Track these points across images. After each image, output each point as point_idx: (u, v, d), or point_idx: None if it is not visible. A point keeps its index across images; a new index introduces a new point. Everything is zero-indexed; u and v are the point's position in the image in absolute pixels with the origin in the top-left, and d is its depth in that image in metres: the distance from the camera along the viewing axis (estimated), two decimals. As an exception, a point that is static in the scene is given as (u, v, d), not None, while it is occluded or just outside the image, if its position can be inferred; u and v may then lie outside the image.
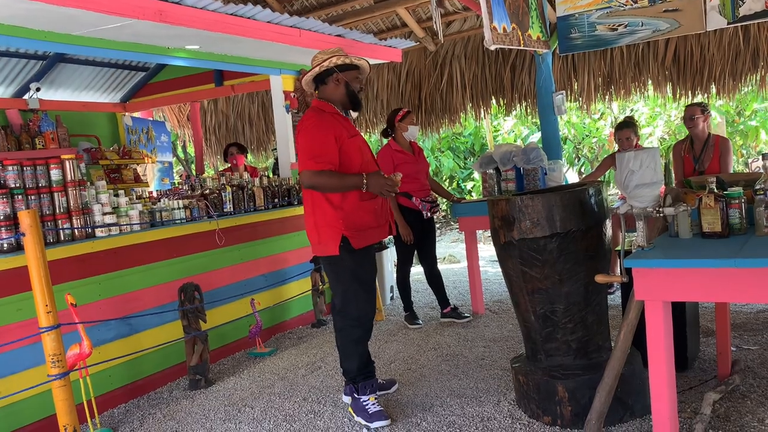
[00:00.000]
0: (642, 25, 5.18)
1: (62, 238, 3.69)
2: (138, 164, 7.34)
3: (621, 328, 2.69)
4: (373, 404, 3.29)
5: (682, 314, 3.41)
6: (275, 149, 7.55)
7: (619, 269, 2.53)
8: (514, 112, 7.93)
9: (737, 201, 2.48)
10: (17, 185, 3.52)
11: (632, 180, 2.46)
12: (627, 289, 3.35)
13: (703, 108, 5.17)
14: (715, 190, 2.51)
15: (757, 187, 2.47)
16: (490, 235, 3.50)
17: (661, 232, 2.83)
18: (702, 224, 2.52)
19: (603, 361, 2.97)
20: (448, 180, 12.63)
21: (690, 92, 6.69)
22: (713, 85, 6.54)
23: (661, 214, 2.45)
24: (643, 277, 2.29)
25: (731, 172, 5.20)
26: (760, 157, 2.68)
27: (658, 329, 2.29)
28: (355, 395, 3.36)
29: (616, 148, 5.58)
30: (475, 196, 11.98)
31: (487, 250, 8.72)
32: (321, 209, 3.32)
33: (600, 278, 2.58)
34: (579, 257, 2.96)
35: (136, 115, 7.88)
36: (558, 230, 2.94)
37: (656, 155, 2.49)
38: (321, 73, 3.33)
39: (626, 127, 5.29)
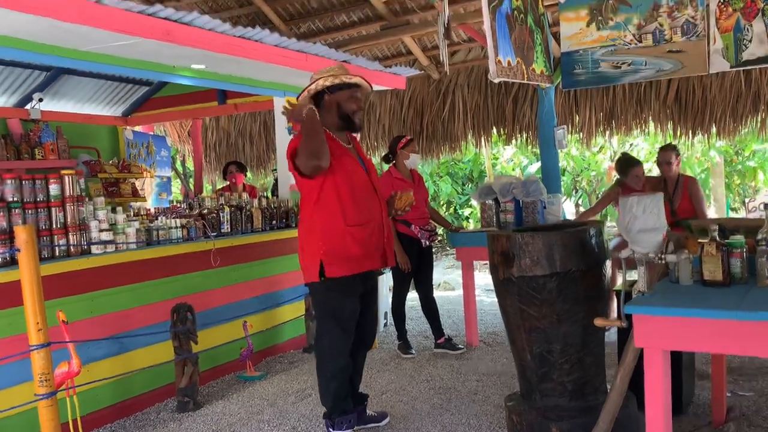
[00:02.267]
0: (645, 65, 5.21)
1: (57, 254, 3.66)
2: (136, 178, 7.32)
3: (618, 372, 2.66)
4: None
5: (677, 357, 3.39)
6: (275, 169, 7.54)
7: (617, 311, 2.51)
8: (514, 142, 7.95)
9: (739, 250, 2.48)
10: (15, 199, 3.50)
11: (635, 225, 2.45)
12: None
13: (677, 151, 5.46)
14: (717, 239, 2.50)
15: (759, 237, 2.47)
16: (487, 264, 3.46)
17: (662, 277, 2.82)
18: (703, 272, 2.51)
19: (599, 404, 2.94)
20: (445, 205, 12.64)
21: (691, 131, 6.73)
22: (714, 126, 6.58)
23: (663, 261, 2.44)
24: (644, 324, 2.27)
25: (705, 209, 5.46)
26: (762, 204, 2.67)
27: (657, 378, 2.26)
28: (330, 429, 3.30)
29: (615, 180, 5.65)
30: (472, 224, 11.99)
31: (483, 277, 8.67)
32: (306, 231, 3.26)
33: (599, 322, 2.56)
34: (578, 297, 2.94)
35: (138, 129, 7.88)
36: (558, 269, 2.92)
37: (660, 201, 2.49)
38: (316, 94, 3.25)
39: (671, 149, 5.39)
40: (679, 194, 5.30)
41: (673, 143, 6.05)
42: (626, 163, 5.40)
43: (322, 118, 3.22)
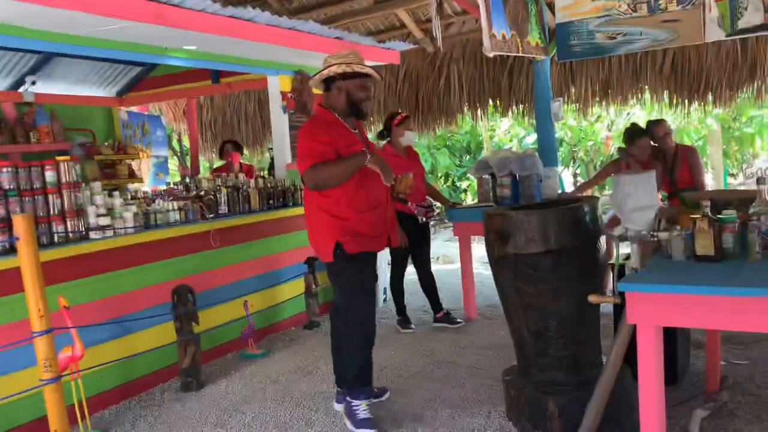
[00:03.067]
0: (641, 35, 5.18)
1: (56, 240, 3.68)
2: (133, 159, 7.31)
3: (612, 347, 2.70)
4: (364, 410, 3.31)
5: (672, 327, 3.43)
6: (271, 148, 7.54)
7: (612, 286, 2.54)
8: (510, 114, 7.92)
9: (731, 225, 2.50)
10: (11, 187, 3.50)
11: (627, 203, 2.47)
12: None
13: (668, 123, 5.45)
14: (709, 214, 2.51)
15: (751, 212, 2.49)
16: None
17: (654, 252, 2.85)
18: (696, 247, 2.53)
19: (594, 377, 2.98)
20: (443, 178, 12.63)
21: (687, 100, 6.71)
22: (710, 94, 6.56)
23: (656, 238, 2.47)
24: (636, 301, 2.30)
25: (704, 179, 5.44)
26: (756, 177, 2.68)
27: (650, 354, 2.30)
28: (348, 398, 3.38)
29: (612, 153, 5.65)
30: (470, 196, 12.00)
31: (481, 249, 8.70)
32: (318, 218, 3.32)
33: (593, 299, 2.60)
34: (573, 274, 2.97)
35: (132, 109, 7.84)
36: (553, 246, 2.95)
37: (652, 179, 2.51)
38: (326, 79, 3.33)
39: (664, 122, 5.34)
40: (679, 165, 5.25)
41: (660, 117, 6.05)
42: (634, 134, 5.26)
43: (331, 101, 3.35)
